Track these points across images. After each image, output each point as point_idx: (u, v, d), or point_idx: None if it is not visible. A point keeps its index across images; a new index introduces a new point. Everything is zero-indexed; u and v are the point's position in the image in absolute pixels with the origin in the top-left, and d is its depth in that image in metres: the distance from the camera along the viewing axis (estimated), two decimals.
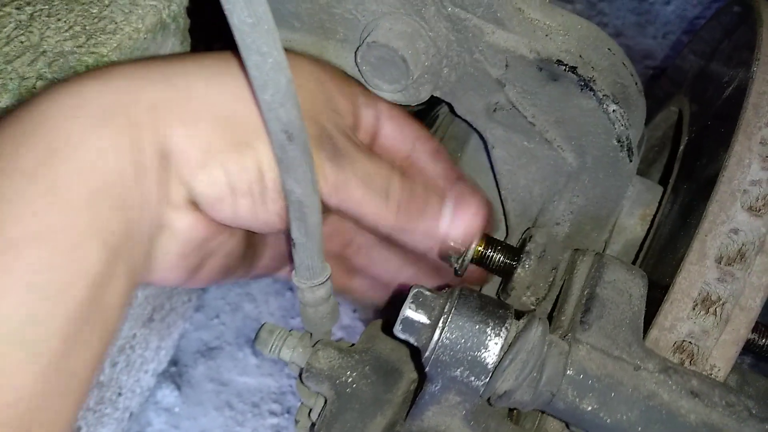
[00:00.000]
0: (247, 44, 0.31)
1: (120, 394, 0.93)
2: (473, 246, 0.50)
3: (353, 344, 0.48)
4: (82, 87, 0.37)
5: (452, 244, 0.46)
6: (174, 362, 1.09)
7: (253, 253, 0.48)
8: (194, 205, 0.39)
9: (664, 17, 1.63)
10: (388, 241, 0.52)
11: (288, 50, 0.46)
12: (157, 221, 0.38)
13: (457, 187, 0.46)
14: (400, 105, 0.50)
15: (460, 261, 0.50)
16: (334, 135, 0.41)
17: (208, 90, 0.38)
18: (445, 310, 0.36)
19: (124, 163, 0.35)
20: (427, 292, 0.37)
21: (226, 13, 0.30)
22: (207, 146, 0.38)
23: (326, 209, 0.43)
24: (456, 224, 0.45)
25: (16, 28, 0.49)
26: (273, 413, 1.09)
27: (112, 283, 0.35)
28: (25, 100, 0.39)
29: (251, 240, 0.47)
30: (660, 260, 0.48)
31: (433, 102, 0.53)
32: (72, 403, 0.35)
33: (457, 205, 0.45)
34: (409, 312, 0.36)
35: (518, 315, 0.37)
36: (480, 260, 0.50)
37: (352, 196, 0.41)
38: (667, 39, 1.60)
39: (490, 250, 0.50)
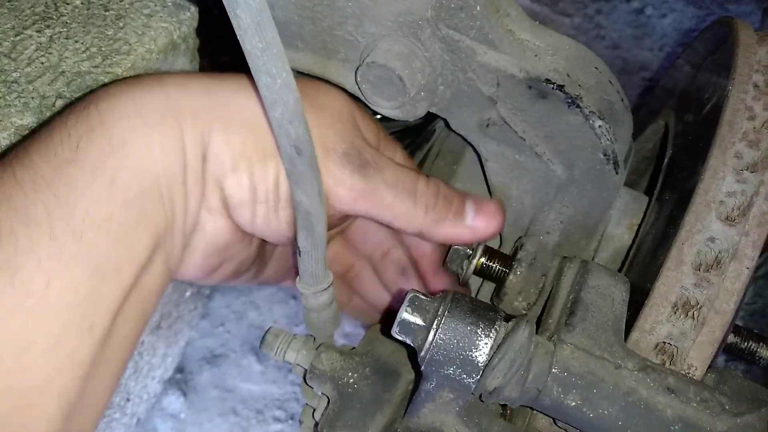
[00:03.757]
0: (258, 66, 0.34)
1: (128, 400, 0.95)
2: (477, 257, 0.53)
3: (354, 347, 0.50)
4: (139, 91, 0.40)
5: (473, 241, 0.49)
6: (180, 369, 1.12)
7: (261, 262, 0.51)
8: (226, 209, 0.42)
9: (661, 30, 1.66)
10: (378, 270, 0.56)
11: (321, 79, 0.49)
12: (195, 219, 0.42)
13: (472, 195, 0.50)
14: (413, 161, 0.54)
15: (464, 270, 0.54)
16: (362, 148, 0.45)
17: (241, 101, 0.42)
18: (439, 313, 0.38)
19: (172, 162, 0.39)
20: (423, 296, 0.39)
21: (239, 38, 0.33)
22: (239, 152, 0.41)
23: (332, 227, 0.46)
24: (480, 221, 0.49)
25: (36, 50, 0.52)
26: (277, 419, 1.11)
27: (153, 270, 0.39)
28: (83, 97, 0.42)
29: (262, 250, 0.50)
30: (645, 267, 0.51)
31: (430, 117, 0.56)
32: (114, 375, 0.39)
33: (478, 204, 0.49)
34: (406, 315, 0.39)
35: (507, 318, 0.40)
36: (481, 269, 0.53)
37: (382, 201, 0.45)
38: (664, 51, 1.63)
39: (490, 260, 0.53)
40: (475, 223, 0.49)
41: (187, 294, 0.99)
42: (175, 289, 0.94)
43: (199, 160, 0.41)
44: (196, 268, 0.45)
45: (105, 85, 0.46)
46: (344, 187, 0.43)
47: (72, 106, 0.40)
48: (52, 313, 0.34)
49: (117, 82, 0.43)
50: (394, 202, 0.45)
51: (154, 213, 0.38)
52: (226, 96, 0.42)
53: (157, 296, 0.41)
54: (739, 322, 0.96)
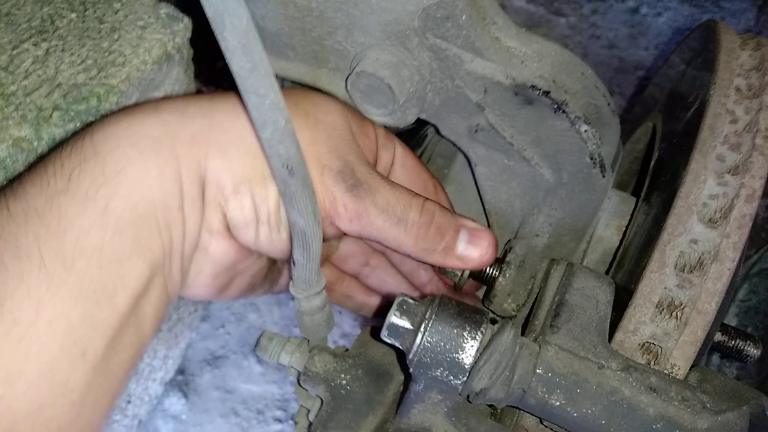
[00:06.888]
0: (246, 87, 0.34)
1: (129, 402, 0.97)
2: None
3: (347, 349, 0.51)
4: (134, 119, 0.40)
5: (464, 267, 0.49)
6: (181, 371, 1.13)
7: (275, 273, 0.52)
8: (228, 231, 0.43)
9: (656, 29, 1.66)
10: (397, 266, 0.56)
11: (318, 90, 0.50)
12: (194, 243, 0.42)
13: (468, 223, 0.49)
14: (414, 153, 0.54)
15: (460, 276, 0.55)
16: (356, 167, 0.44)
17: (241, 124, 0.42)
18: (427, 316, 0.39)
19: (168, 189, 0.39)
20: (411, 300, 0.40)
21: (227, 60, 0.33)
22: (240, 175, 0.41)
23: (334, 238, 0.46)
24: (472, 252, 0.48)
25: (33, 63, 0.53)
26: (277, 420, 1.12)
27: (150, 296, 0.39)
28: (80, 129, 0.42)
29: (273, 262, 0.50)
30: (632, 268, 0.52)
31: (422, 122, 0.57)
32: (110, 399, 0.39)
33: (472, 234, 0.48)
34: (394, 318, 0.40)
35: (493, 321, 0.41)
36: (476, 275, 0.54)
37: (373, 224, 0.44)
38: (659, 50, 1.64)
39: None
40: (467, 254, 0.48)
41: None
42: None
43: (197, 185, 0.41)
44: (205, 289, 0.45)
45: (103, 117, 0.46)
46: (340, 206, 0.44)
47: (69, 138, 0.41)
48: (42, 341, 0.34)
49: (114, 112, 0.43)
50: (384, 226, 0.45)
51: (150, 240, 0.39)
52: (224, 120, 0.42)
53: (156, 321, 0.41)
54: (734, 320, 0.97)
